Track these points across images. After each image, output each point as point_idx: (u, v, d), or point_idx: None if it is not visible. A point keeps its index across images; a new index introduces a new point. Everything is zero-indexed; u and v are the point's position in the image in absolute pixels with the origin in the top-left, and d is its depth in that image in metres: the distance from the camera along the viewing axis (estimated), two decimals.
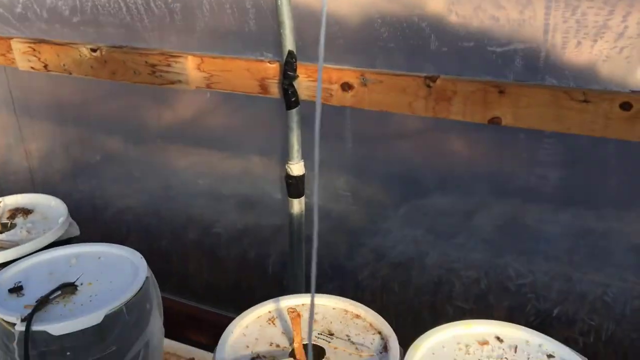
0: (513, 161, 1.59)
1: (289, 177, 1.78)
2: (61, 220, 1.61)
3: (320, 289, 1.34)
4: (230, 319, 1.25)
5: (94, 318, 1.18)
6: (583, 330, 1.63)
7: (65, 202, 1.74)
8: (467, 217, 1.69)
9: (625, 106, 1.32)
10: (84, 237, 1.63)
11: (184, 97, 2.00)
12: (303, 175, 1.78)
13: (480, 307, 1.75)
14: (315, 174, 0.80)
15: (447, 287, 1.78)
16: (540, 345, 1.13)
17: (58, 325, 1.17)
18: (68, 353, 1.17)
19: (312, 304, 0.74)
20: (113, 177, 2.31)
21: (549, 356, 1.10)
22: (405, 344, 1.18)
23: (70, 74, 2.04)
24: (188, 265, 2.23)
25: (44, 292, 1.26)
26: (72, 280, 1.30)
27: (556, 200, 1.55)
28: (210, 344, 1.21)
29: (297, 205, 1.81)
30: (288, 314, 1.13)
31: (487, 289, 1.73)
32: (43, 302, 1.22)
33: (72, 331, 1.16)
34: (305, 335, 1.18)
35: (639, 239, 1.52)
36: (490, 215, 1.67)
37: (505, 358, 1.10)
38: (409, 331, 1.22)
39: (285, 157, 1.78)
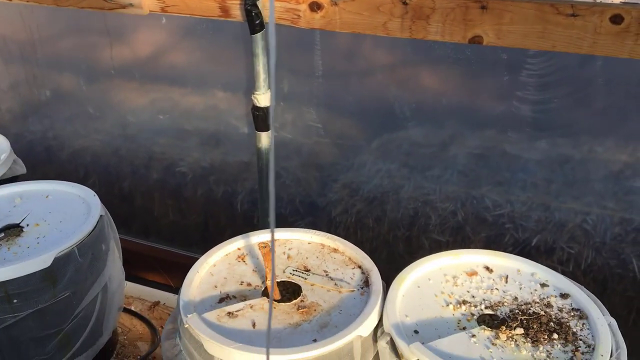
0: (492, 87, 1.51)
1: (255, 109, 1.66)
2: (3, 156, 1.47)
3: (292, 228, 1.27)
4: None
5: (42, 261, 1.08)
6: (562, 259, 1.60)
7: (16, 145, 1.61)
8: (442, 149, 1.63)
9: (616, 19, 1.24)
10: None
11: (139, 31, 1.85)
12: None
13: (457, 240, 1.71)
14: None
15: (423, 220, 1.73)
16: (532, 274, 1.07)
17: (1, 270, 1.06)
18: (15, 300, 1.07)
19: (273, 231, 0.65)
20: (67, 116, 2.16)
21: (543, 285, 1.04)
22: (383, 279, 1.11)
23: (10, 0, 1.85)
24: (152, 206, 2.13)
25: None
26: (16, 221, 1.19)
27: (534, 127, 1.49)
28: (179, 286, 1.13)
29: (265, 139, 1.70)
30: (259, 249, 1.04)
31: (464, 221, 1.68)
32: None
33: (17, 276, 1.06)
34: (279, 272, 1.10)
35: (617, 166, 1.47)
36: (466, 146, 1.60)
37: (496, 289, 1.04)
38: (385, 266, 1.15)
39: (252, 89, 1.67)
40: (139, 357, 1.69)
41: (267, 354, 0.66)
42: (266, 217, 1.81)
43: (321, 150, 1.78)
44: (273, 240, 0.56)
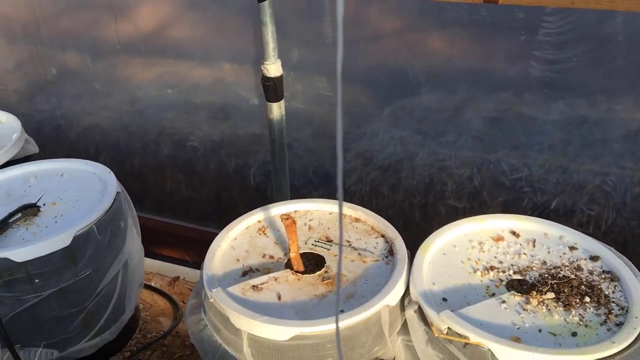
0: (508, 48, 1.47)
1: (266, 79, 1.63)
2: (15, 136, 1.45)
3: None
4: (214, 235, 1.14)
5: (61, 240, 1.06)
6: (582, 221, 1.58)
7: (25, 125, 1.58)
8: (457, 113, 1.59)
9: None
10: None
11: (143, 4, 1.82)
12: (281, 76, 1.63)
13: (474, 205, 1.68)
14: None
15: (439, 187, 1.70)
16: (560, 237, 1.05)
17: (21, 250, 1.05)
18: (36, 280, 1.06)
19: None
20: (74, 94, 2.14)
21: (571, 248, 1.02)
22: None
23: None
24: (165, 182, 2.12)
25: (1, 215, 1.13)
26: (33, 201, 1.17)
27: (552, 88, 1.46)
28: (196, 261, 1.11)
29: (276, 110, 1.67)
30: (282, 221, 1.03)
31: (480, 186, 1.66)
32: (2, 226, 1.09)
33: (37, 256, 1.05)
34: (301, 243, 1.09)
35: (636, 125, 1.44)
36: (481, 109, 1.57)
37: (524, 253, 1.01)
38: (402, 234, 1.13)
39: (260, 60, 1.63)
40: (162, 332, 1.69)
41: (337, 317, 0.63)
42: (280, 190, 1.79)
43: (333, 119, 1.75)
44: (341, 201, 0.53)
